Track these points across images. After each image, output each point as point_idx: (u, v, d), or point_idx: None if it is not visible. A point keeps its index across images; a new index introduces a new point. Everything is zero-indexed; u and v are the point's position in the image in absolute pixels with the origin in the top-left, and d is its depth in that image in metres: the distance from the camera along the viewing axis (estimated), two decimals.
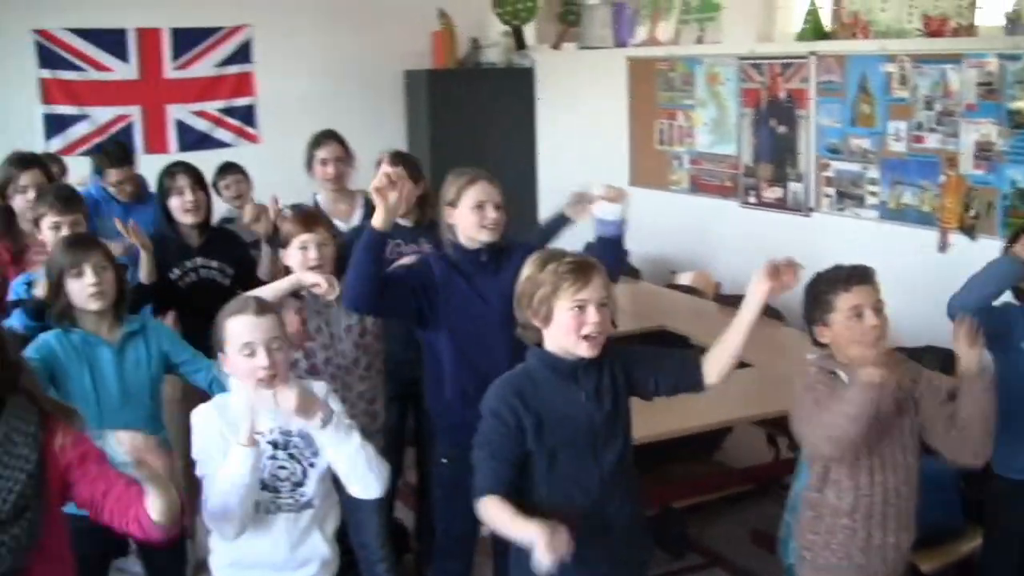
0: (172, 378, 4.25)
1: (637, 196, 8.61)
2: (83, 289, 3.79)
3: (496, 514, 3.08)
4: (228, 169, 6.63)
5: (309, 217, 4.45)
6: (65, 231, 4.41)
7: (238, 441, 3.16)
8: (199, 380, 4.05)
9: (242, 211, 6.13)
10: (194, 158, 5.92)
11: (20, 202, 4.94)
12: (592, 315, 3.14)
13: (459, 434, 4.11)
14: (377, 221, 3.74)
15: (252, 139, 9.96)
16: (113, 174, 6.17)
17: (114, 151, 6.43)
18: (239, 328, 3.30)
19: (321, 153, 5.67)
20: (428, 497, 5.13)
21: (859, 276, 3.44)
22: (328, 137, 5.74)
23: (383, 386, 4.52)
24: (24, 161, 5.08)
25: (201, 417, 3.38)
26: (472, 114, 9.92)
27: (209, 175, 5.47)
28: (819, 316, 3.48)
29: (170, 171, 5.08)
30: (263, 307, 3.37)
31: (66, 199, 4.57)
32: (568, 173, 9.63)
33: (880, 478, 3.47)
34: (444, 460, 4.22)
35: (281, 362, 3.31)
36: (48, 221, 4.48)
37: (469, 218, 4.07)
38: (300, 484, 3.38)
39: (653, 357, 3.46)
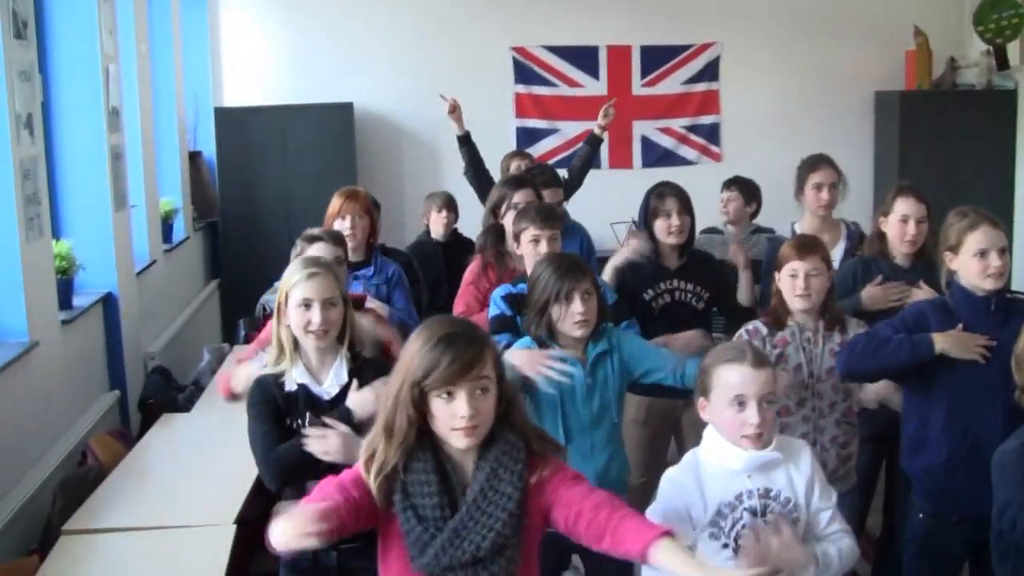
0: (635, 398, 4.19)
1: None
2: (571, 316, 3.77)
3: None
4: (732, 184, 6.46)
5: (807, 244, 4.20)
6: (544, 246, 4.46)
7: None
8: (667, 379, 3.91)
9: (734, 228, 6.18)
10: (655, 174, 5.90)
11: (511, 219, 5.06)
12: None
13: (942, 500, 3.86)
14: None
15: (715, 157, 9.95)
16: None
17: (540, 172, 6.16)
18: (734, 378, 3.07)
19: (816, 178, 5.28)
20: (890, 548, 4.86)
21: None
22: (823, 161, 5.37)
23: (856, 430, 4.26)
24: (518, 181, 5.21)
25: (672, 479, 3.16)
26: (946, 139, 9.38)
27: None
28: None
29: (659, 192, 4.94)
30: (760, 358, 3.12)
31: (546, 215, 4.60)
32: None
33: None
34: (921, 515, 3.94)
35: (772, 419, 3.10)
36: (528, 235, 4.52)
37: (971, 266, 3.76)
38: None
39: None
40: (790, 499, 3.10)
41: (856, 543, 3.16)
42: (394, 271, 5.24)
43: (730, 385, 3.07)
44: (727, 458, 3.09)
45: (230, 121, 9.23)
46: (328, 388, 3.50)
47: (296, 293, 3.48)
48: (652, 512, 3.06)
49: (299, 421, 3.48)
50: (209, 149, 9.33)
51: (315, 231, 4.65)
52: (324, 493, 2.65)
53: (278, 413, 3.49)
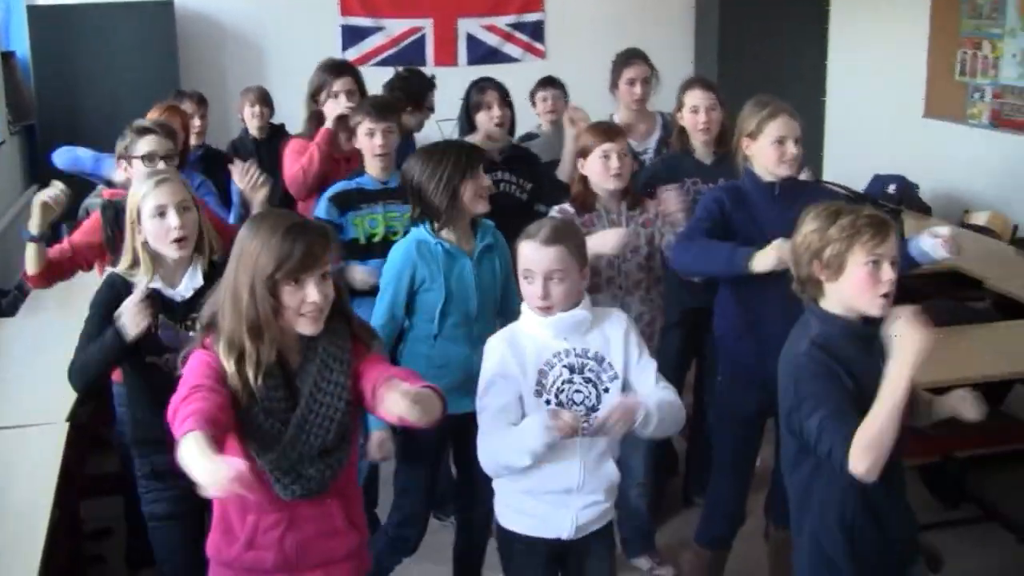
0: None
1: (932, 128, 8.42)
2: (478, 191, 3.92)
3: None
4: (549, 83, 6.47)
5: (613, 127, 4.48)
6: (379, 138, 4.57)
7: (548, 425, 3.04)
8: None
9: (553, 127, 6.16)
10: (481, 71, 5.96)
11: (331, 107, 5.11)
12: (888, 272, 2.98)
13: (734, 365, 4.25)
14: None
15: (539, 55, 10.05)
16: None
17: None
18: (524, 253, 3.29)
19: (629, 72, 5.53)
20: (704, 421, 5.16)
21: None
22: (636, 56, 5.59)
23: (661, 311, 4.53)
24: (338, 68, 5.24)
25: (491, 348, 3.35)
26: (762, 40, 9.66)
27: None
28: None
29: (480, 86, 5.15)
30: (553, 236, 3.26)
31: (381, 107, 4.69)
32: (859, 102, 9.35)
33: None
34: (720, 378, 4.32)
35: (562, 293, 3.25)
36: (364, 128, 4.60)
37: (768, 152, 4.02)
38: (595, 408, 3.26)
39: None
40: (604, 358, 3.32)
41: (681, 404, 3.38)
42: (199, 181, 5.16)
43: (521, 259, 3.30)
44: (537, 327, 3.31)
45: (45, 20, 8.86)
46: (182, 291, 3.48)
47: (148, 202, 3.42)
48: (483, 372, 3.32)
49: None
50: (23, 49, 8.99)
51: (145, 122, 4.52)
52: (208, 407, 2.61)
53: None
